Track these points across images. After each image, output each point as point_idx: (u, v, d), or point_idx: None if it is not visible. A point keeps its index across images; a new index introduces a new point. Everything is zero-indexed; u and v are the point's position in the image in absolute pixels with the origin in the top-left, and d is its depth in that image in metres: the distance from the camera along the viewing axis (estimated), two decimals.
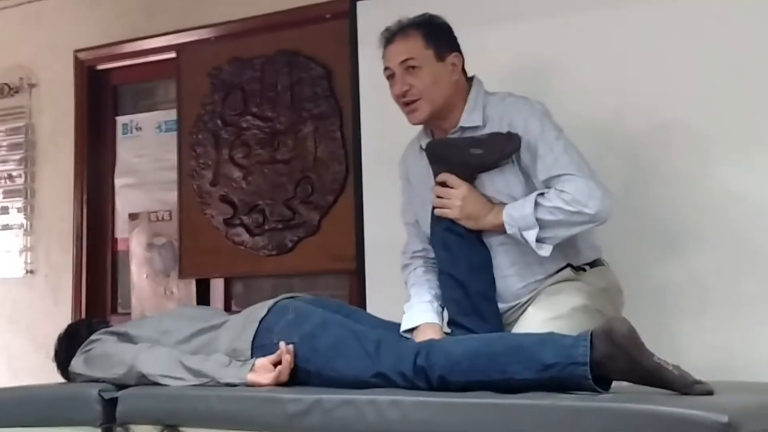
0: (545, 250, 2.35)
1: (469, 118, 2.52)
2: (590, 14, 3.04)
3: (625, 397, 1.90)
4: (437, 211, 2.47)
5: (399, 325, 2.47)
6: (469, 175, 2.46)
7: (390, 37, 2.56)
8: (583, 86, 2.99)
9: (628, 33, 2.97)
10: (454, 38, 2.58)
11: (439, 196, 2.46)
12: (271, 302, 2.51)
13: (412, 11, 3.08)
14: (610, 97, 2.97)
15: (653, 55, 2.93)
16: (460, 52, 2.56)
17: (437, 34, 2.53)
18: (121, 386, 2.44)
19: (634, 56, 2.95)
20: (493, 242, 2.46)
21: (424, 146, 2.57)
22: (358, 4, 3.49)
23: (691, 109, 2.87)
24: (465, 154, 2.45)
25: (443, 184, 2.45)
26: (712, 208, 2.82)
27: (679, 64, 2.89)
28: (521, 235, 2.35)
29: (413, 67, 2.49)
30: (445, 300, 2.49)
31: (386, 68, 2.56)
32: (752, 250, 2.76)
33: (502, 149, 2.42)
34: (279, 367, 2.32)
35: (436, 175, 2.49)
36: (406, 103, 2.52)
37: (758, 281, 2.74)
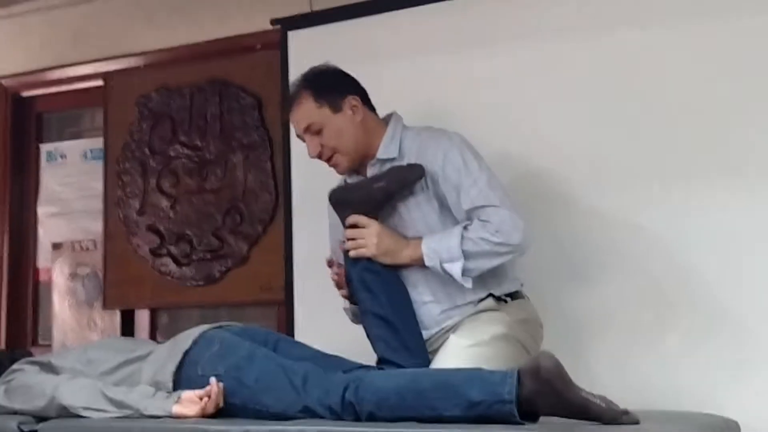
0: (468, 282, 2.38)
1: (386, 150, 2.56)
2: (504, 49, 3.09)
3: (553, 427, 1.92)
4: (353, 253, 2.48)
5: (328, 355, 2.45)
6: (377, 210, 2.50)
7: (288, 106, 2.62)
8: (497, 121, 3.03)
9: (542, 68, 3.03)
10: (346, 81, 2.61)
11: (352, 239, 2.47)
12: (196, 333, 2.47)
13: (342, 41, 3.13)
14: (522, 132, 3.01)
15: (564, 92, 2.99)
16: (355, 91, 2.59)
17: (326, 88, 2.57)
18: (41, 418, 2.37)
19: (547, 93, 3.01)
20: (413, 270, 2.48)
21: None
22: (289, 34, 3.50)
23: (599, 146, 2.93)
24: (369, 191, 2.49)
25: (354, 226, 2.47)
26: (619, 241, 2.88)
27: (587, 102, 2.96)
28: (442, 267, 2.38)
29: (317, 130, 2.54)
30: (373, 339, 2.48)
31: (297, 135, 2.62)
32: (658, 282, 2.82)
33: (406, 177, 2.46)
34: (205, 399, 2.28)
35: (343, 220, 2.52)
36: (326, 160, 2.58)
37: (669, 312, 2.80)
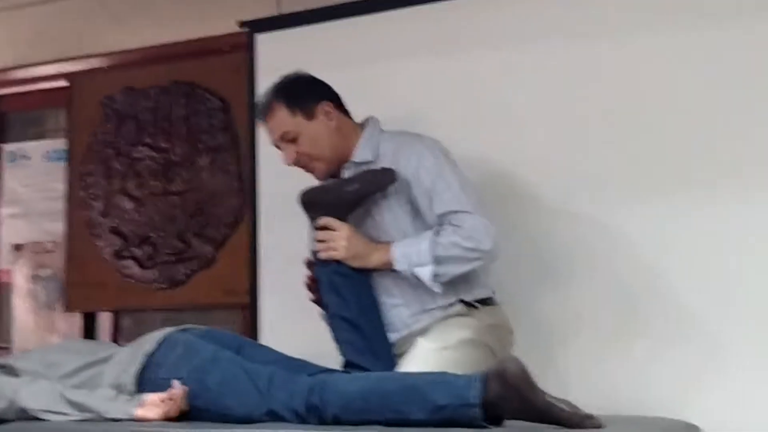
0: (437, 287, 2.39)
1: (362, 153, 2.57)
2: (477, 53, 3.09)
3: (517, 430, 1.92)
4: (323, 254, 2.47)
5: (293, 358, 2.44)
6: (348, 213, 2.50)
7: (261, 116, 2.62)
8: (471, 124, 3.02)
9: (516, 72, 3.03)
10: (318, 87, 2.62)
11: (322, 241, 2.47)
12: (160, 335, 2.44)
13: (310, 45, 3.12)
14: (496, 136, 3.01)
15: (536, 95, 2.99)
16: (328, 96, 2.60)
17: (299, 95, 2.57)
18: (0, 421, 2.34)
19: (519, 96, 3.01)
20: (384, 273, 2.47)
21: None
22: (257, 36, 3.48)
23: (572, 149, 2.93)
24: (341, 193, 2.49)
25: (324, 228, 2.46)
26: (589, 246, 2.88)
27: (561, 105, 2.95)
28: (412, 271, 2.38)
29: (292, 138, 2.54)
30: (339, 342, 2.48)
31: (273, 143, 2.62)
32: (627, 287, 2.82)
33: (379, 181, 2.46)
34: (168, 402, 2.25)
35: (313, 221, 2.51)
36: (302, 167, 2.58)
37: (637, 318, 2.80)
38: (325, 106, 2.57)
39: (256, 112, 2.66)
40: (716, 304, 2.71)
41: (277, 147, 2.62)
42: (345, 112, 2.64)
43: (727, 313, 2.70)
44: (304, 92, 2.59)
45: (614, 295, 2.84)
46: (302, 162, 2.58)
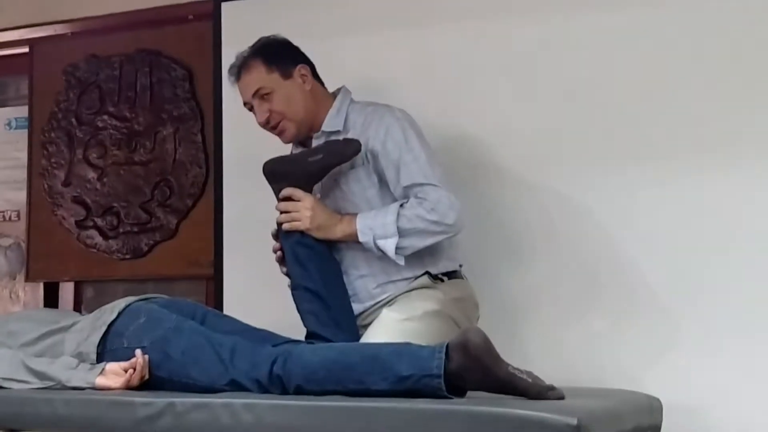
0: (401, 260, 2.39)
1: (331, 122, 2.57)
2: (449, 25, 3.08)
3: (479, 400, 1.93)
4: (286, 226, 2.47)
5: (256, 329, 2.44)
6: (312, 184, 2.50)
7: (236, 73, 2.61)
8: (442, 97, 3.02)
9: (487, 43, 3.03)
10: (296, 51, 2.63)
11: (286, 211, 2.46)
12: (122, 304, 2.43)
13: (276, 14, 3.10)
14: (465, 108, 3.01)
15: (509, 68, 2.99)
16: (305, 61, 2.61)
17: (277, 55, 2.58)
18: None
19: (490, 67, 3.01)
20: (349, 244, 2.47)
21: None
22: (223, 5, 3.46)
23: (541, 124, 2.93)
24: (305, 164, 2.49)
25: (288, 199, 2.46)
26: (552, 220, 2.89)
27: (533, 79, 2.95)
28: (375, 243, 2.38)
29: (266, 94, 2.54)
30: (303, 313, 2.48)
31: (245, 103, 2.61)
32: (589, 261, 2.85)
33: (343, 152, 2.46)
34: (130, 371, 2.25)
35: (277, 192, 2.50)
36: (273, 127, 2.57)
37: (598, 294, 2.83)
38: (302, 69, 2.58)
39: (230, 71, 2.64)
40: (672, 282, 2.74)
41: (249, 108, 2.60)
42: (319, 80, 2.65)
43: (681, 289, 2.73)
44: (283, 53, 2.60)
45: (576, 269, 2.86)
46: (274, 120, 2.56)
